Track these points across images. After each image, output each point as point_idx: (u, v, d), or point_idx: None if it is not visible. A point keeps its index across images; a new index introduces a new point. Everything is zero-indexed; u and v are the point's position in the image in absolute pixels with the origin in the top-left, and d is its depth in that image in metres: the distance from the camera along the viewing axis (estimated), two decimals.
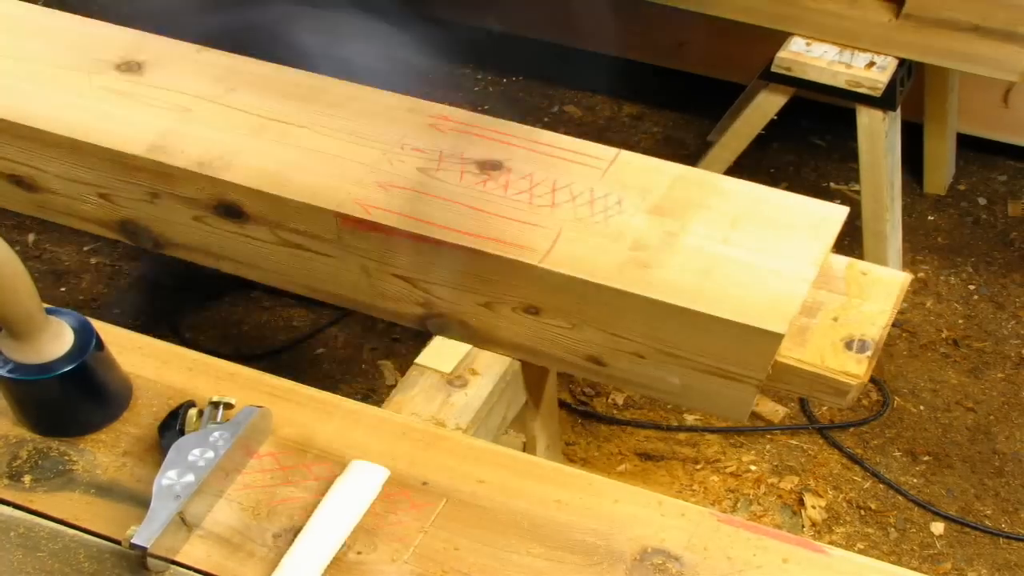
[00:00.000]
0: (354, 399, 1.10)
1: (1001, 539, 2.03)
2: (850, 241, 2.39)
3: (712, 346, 1.13)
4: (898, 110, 2.26)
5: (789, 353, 1.13)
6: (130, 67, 1.45)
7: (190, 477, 0.95)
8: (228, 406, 1.05)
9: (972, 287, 2.53)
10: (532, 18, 2.93)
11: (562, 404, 2.22)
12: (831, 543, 1.24)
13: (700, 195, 1.21)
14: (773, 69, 2.23)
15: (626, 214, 1.20)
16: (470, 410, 1.19)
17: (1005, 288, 2.53)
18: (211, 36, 1.48)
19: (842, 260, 1.22)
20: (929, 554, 2.02)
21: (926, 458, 2.17)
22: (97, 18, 1.55)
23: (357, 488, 0.97)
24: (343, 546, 0.94)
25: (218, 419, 1.03)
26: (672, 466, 2.17)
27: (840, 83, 2.18)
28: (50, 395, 1.01)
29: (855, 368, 1.12)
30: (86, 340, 1.01)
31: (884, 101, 2.19)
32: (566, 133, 1.31)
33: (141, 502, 0.98)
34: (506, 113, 1.27)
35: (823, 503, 2.11)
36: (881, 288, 1.19)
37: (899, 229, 2.50)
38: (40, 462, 1.02)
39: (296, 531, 0.95)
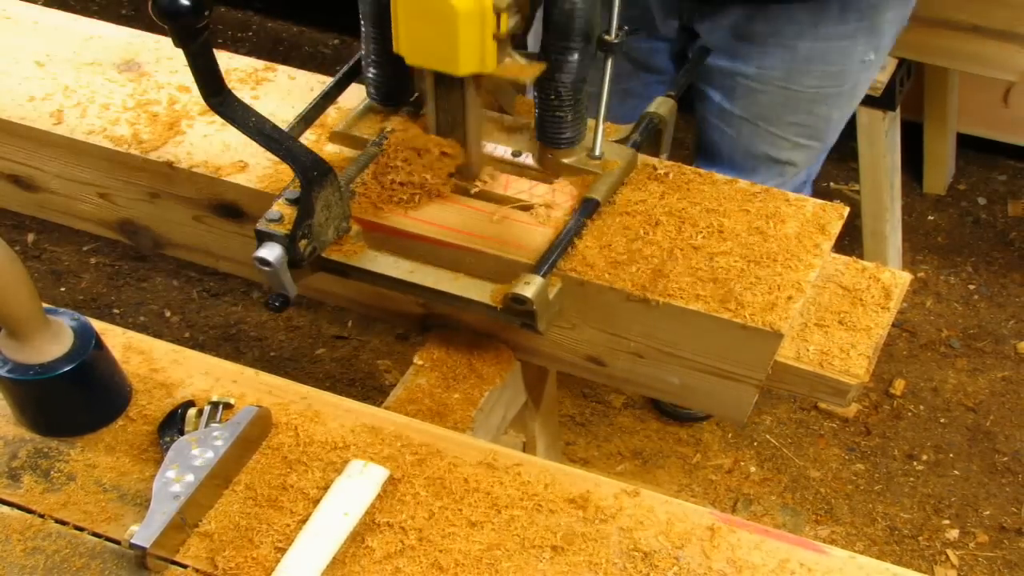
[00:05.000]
0: (354, 399, 1.10)
1: (1001, 539, 2.03)
2: (850, 241, 2.39)
3: (712, 346, 1.13)
4: (898, 110, 2.26)
5: (789, 353, 1.13)
6: (130, 67, 1.45)
7: (190, 477, 0.95)
8: (228, 406, 1.05)
9: (972, 287, 2.53)
10: None
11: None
12: (831, 543, 1.24)
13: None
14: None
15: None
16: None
17: (1005, 288, 2.53)
18: None
19: (842, 260, 1.22)
20: (929, 554, 2.02)
21: (925, 458, 2.17)
22: (97, 18, 1.55)
23: (357, 488, 0.97)
24: (343, 546, 0.94)
25: (218, 419, 1.03)
26: (672, 466, 2.17)
27: None
28: (50, 395, 1.01)
29: (855, 368, 1.12)
30: (86, 340, 1.01)
31: (884, 101, 2.19)
32: None
33: (141, 502, 0.98)
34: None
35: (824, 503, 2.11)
36: (881, 288, 1.19)
37: (899, 229, 2.50)
38: (40, 462, 1.02)
39: (296, 531, 0.95)
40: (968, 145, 2.80)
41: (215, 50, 0.97)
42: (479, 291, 1.12)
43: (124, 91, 1.40)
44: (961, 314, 2.47)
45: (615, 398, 2.30)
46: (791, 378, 1.14)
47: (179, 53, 1.50)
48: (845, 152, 2.72)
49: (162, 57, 1.46)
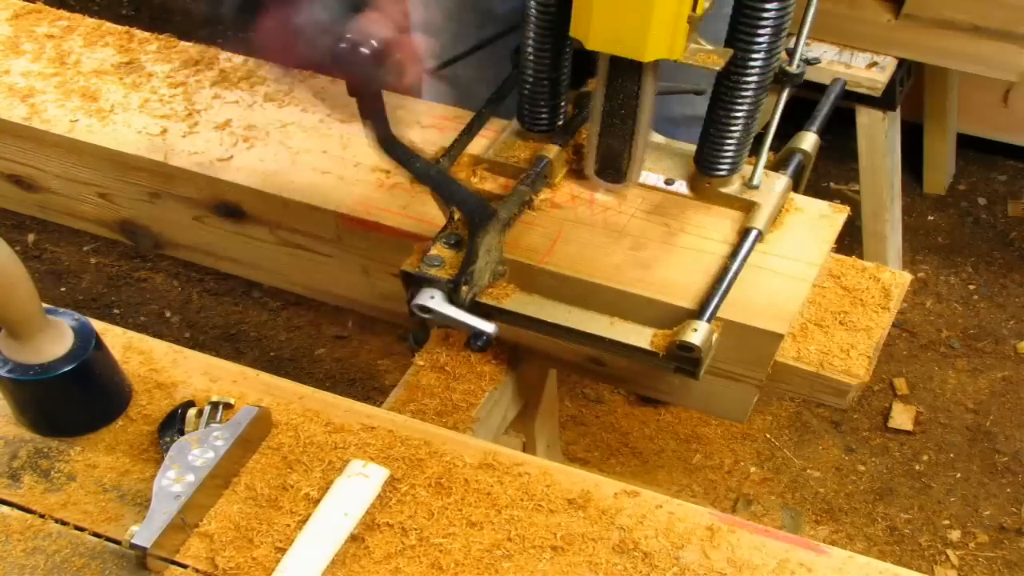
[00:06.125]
0: (354, 399, 1.10)
1: (1001, 539, 2.03)
2: (850, 241, 2.39)
3: None
4: (898, 110, 2.26)
5: (789, 353, 1.13)
6: (130, 67, 1.45)
7: (190, 477, 0.95)
8: (228, 406, 1.05)
9: (972, 287, 2.53)
10: None
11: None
12: (831, 543, 1.24)
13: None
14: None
15: (626, 214, 1.20)
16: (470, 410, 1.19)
17: (1005, 288, 2.53)
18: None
19: (842, 260, 1.22)
20: (930, 554, 2.02)
21: (925, 458, 2.17)
22: (97, 18, 1.55)
23: (357, 488, 0.97)
24: (343, 546, 0.94)
25: (218, 419, 1.03)
26: (672, 466, 2.17)
27: None
28: (50, 395, 1.01)
29: (855, 368, 1.12)
30: (86, 340, 1.01)
31: (884, 101, 2.19)
32: None
33: (141, 502, 0.98)
34: (507, 113, 1.26)
35: (824, 503, 2.11)
36: (881, 288, 1.19)
37: (899, 229, 2.50)
38: (40, 462, 1.02)
39: (296, 531, 0.95)
40: (968, 145, 2.80)
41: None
42: (638, 336, 1.09)
43: (124, 91, 1.40)
44: (961, 314, 2.47)
45: (615, 398, 2.30)
46: (791, 378, 1.14)
47: (179, 55, 1.51)
48: (845, 152, 2.73)
49: (162, 59, 1.46)
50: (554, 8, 1.09)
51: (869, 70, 2.17)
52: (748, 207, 1.16)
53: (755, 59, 1.05)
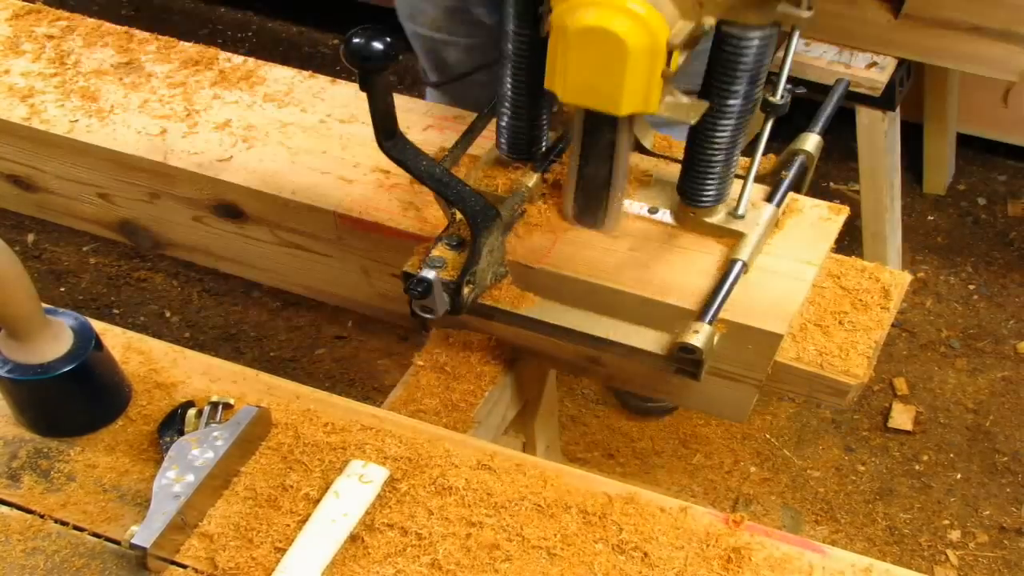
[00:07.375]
0: (354, 399, 1.10)
1: (1001, 539, 2.03)
2: (850, 241, 2.39)
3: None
4: (897, 110, 2.26)
5: (789, 353, 1.13)
6: (130, 67, 1.45)
7: (190, 477, 0.95)
8: (228, 406, 1.05)
9: (972, 287, 2.53)
10: None
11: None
12: (831, 543, 1.24)
13: None
14: (772, 69, 2.22)
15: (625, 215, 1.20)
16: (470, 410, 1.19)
17: (1005, 288, 2.53)
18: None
19: (842, 260, 1.22)
20: (929, 554, 2.02)
21: (925, 458, 2.17)
22: (97, 18, 1.55)
23: (357, 488, 0.97)
24: (343, 546, 0.94)
25: (218, 419, 1.03)
26: (672, 466, 2.17)
27: None
28: (50, 395, 1.01)
29: (855, 368, 1.12)
30: (86, 340, 1.01)
31: (884, 101, 2.18)
32: None
33: (141, 502, 0.98)
34: None
35: (824, 502, 2.11)
36: (881, 288, 1.19)
37: (899, 229, 2.50)
38: (40, 462, 1.02)
39: (296, 531, 0.95)
40: (968, 145, 2.80)
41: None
42: (640, 338, 1.09)
43: (124, 91, 1.40)
44: (961, 314, 2.47)
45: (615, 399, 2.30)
46: (791, 378, 1.14)
47: (179, 55, 1.51)
48: (845, 152, 2.73)
49: (161, 59, 1.46)
50: (527, 50, 1.08)
51: (869, 70, 2.16)
52: (733, 237, 1.15)
53: (731, 105, 1.04)
